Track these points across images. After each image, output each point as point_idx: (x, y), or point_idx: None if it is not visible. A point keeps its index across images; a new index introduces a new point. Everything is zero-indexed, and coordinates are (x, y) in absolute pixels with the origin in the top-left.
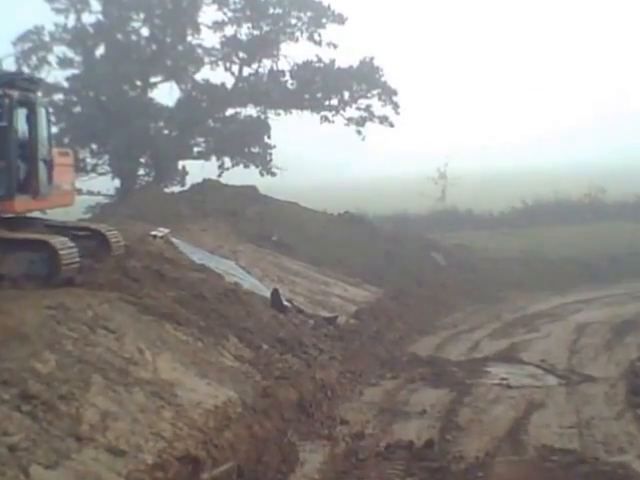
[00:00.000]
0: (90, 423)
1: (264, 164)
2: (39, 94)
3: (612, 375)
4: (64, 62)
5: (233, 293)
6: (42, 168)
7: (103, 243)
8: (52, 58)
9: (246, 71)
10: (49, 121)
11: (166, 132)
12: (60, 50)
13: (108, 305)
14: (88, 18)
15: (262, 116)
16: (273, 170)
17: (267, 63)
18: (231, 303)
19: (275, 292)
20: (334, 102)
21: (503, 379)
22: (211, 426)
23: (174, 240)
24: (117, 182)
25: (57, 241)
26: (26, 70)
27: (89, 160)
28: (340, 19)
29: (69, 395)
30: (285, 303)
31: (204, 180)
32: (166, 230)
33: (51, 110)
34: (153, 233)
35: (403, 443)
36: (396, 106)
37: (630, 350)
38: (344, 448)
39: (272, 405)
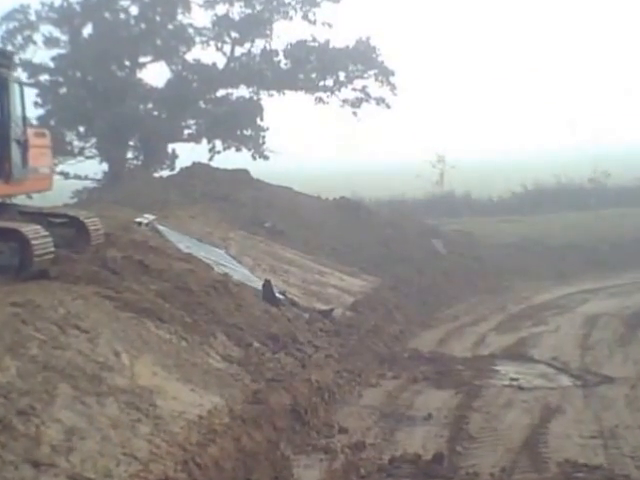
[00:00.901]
0: (52, 444)
1: (257, 147)
2: (13, 70)
3: (630, 375)
4: (50, 41)
5: (222, 285)
6: (15, 150)
7: (81, 231)
8: (38, 37)
9: (238, 51)
10: (23, 99)
11: (155, 114)
12: (46, 29)
13: (82, 301)
14: None
15: (255, 97)
16: (266, 153)
17: (260, 43)
18: (220, 296)
19: (267, 284)
20: (329, 83)
21: (513, 379)
22: (194, 441)
23: (160, 227)
24: (105, 166)
25: (29, 229)
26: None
27: (76, 143)
28: None
29: (29, 410)
30: (278, 295)
31: (194, 164)
32: (152, 217)
33: (36, 91)
34: (138, 220)
35: (409, 456)
36: (393, 87)
37: None
38: (343, 462)
39: (263, 412)
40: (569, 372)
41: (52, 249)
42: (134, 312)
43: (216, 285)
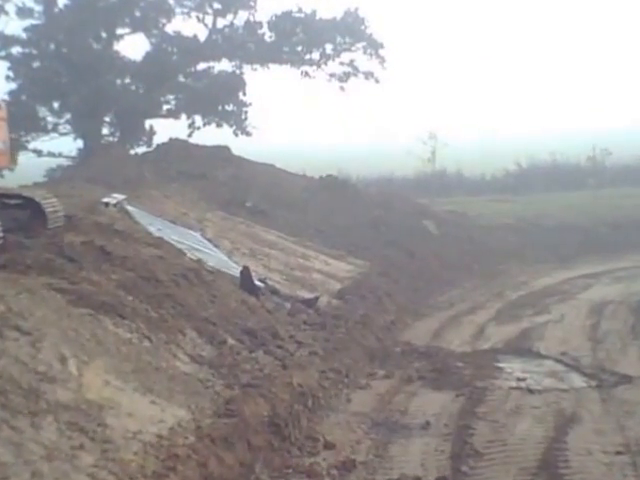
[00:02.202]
0: None
1: (239, 123)
2: None
3: None
4: (23, 12)
5: (194, 273)
6: None
7: (37, 214)
8: (10, 7)
9: (220, 23)
10: None
11: (133, 88)
12: None
13: (28, 295)
14: None
15: (237, 71)
16: (248, 129)
17: (243, 14)
18: (191, 286)
19: (245, 271)
20: (315, 56)
21: (520, 380)
22: (150, 471)
23: (129, 208)
24: (80, 143)
25: None
26: None
27: (50, 119)
28: None
29: None
30: (257, 283)
31: (170, 140)
32: (121, 196)
33: (7, 64)
34: (105, 200)
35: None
36: (382, 60)
37: None
38: None
39: (236, 428)
40: (581, 370)
41: (0, 234)
42: (90, 307)
43: (187, 274)
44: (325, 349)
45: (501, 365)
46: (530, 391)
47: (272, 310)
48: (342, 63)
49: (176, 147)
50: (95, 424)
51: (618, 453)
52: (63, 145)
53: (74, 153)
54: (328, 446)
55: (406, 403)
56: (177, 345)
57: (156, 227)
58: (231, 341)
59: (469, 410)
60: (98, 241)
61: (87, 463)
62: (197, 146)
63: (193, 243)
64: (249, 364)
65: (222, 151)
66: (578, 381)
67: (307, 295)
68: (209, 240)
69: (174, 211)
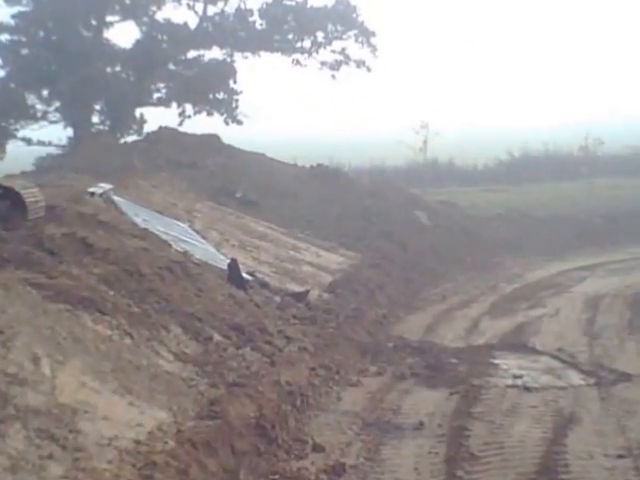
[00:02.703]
0: None
1: (229, 111)
2: None
3: None
4: None
5: (180, 266)
6: None
7: (17, 204)
8: None
9: (211, 10)
10: None
11: (123, 76)
12: None
13: (1, 291)
14: None
15: (228, 59)
16: (239, 118)
17: (234, 2)
18: (176, 280)
19: (233, 263)
20: (307, 44)
21: (517, 377)
22: None
23: (116, 198)
24: (70, 131)
25: None
26: None
27: (39, 107)
28: None
29: None
30: (245, 276)
31: (160, 128)
32: (107, 186)
33: None
34: (91, 190)
35: None
36: (374, 49)
37: None
38: None
39: (219, 430)
40: (578, 367)
41: None
42: (68, 303)
43: (173, 267)
44: (315, 345)
45: (496, 361)
46: (527, 389)
47: (261, 304)
48: (333, 51)
49: (165, 136)
50: (67, 430)
51: (620, 456)
52: (53, 133)
53: (64, 142)
54: (317, 449)
55: (399, 402)
56: (160, 342)
57: (142, 218)
58: (217, 337)
59: (464, 410)
60: (80, 233)
61: (56, 474)
62: (187, 135)
63: (180, 234)
64: (235, 361)
65: (212, 140)
66: (576, 379)
67: (297, 288)
68: (197, 231)
69: (162, 201)
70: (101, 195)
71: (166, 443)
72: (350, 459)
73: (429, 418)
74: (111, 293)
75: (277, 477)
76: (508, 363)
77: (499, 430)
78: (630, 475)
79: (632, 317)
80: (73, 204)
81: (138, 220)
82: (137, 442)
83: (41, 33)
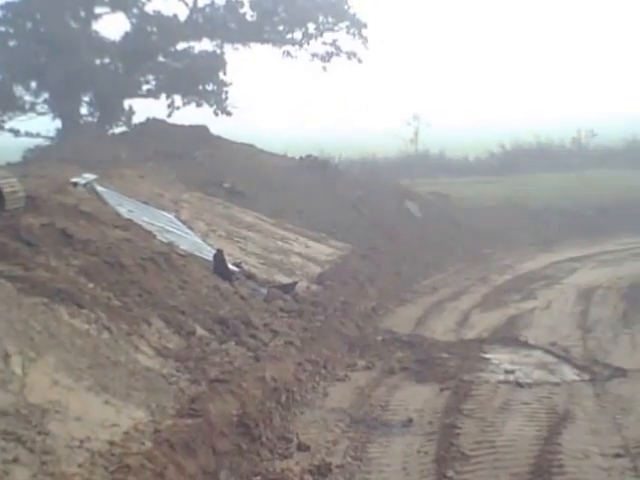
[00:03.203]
0: None
1: (219, 103)
2: None
3: None
4: None
5: (164, 257)
6: None
7: None
8: None
9: (201, 2)
10: None
11: (111, 68)
12: None
13: None
14: None
15: (218, 51)
16: (229, 109)
17: None
18: (159, 272)
19: (219, 254)
20: (297, 35)
21: (509, 372)
22: None
23: (99, 188)
24: (58, 123)
25: None
26: None
27: (27, 98)
28: None
29: None
30: (231, 268)
31: (148, 120)
32: (92, 176)
33: None
34: (74, 180)
35: None
36: (365, 40)
37: None
38: None
39: (199, 429)
40: (572, 361)
41: None
42: (44, 296)
43: (156, 258)
44: (302, 338)
45: (487, 356)
46: (519, 385)
47: (247, 297)
48: (325, 43)
49: (153, 127)
50: (35, 432)
51: (617, 456)
52: (42, 125)
53: (52, 133)
54: (302, 447)
55: (387, 397)
56: (140, 336)
57: (126, 208)
58: (201, 331)
59: (454, 406)
60: (60, 223)
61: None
62: (175, 126)
63: (165, 225)
64: (219, 356)
65: (200, 131)
66: (570, 374)
67: (285, 280)
68: (183, 222)
69: (148, 192)
70: (84, 185)
71: (142, 444)
72: (336, 458)
73: (418, 415)
74: (90, 285)
75: (259, 478)
76: (500, 358)
77: (491, 428)
78: (628, 476)
79: (626, 309)
80: (55, 194)
81: (122, 210)
82: (111, 443)
83: (29, 24)
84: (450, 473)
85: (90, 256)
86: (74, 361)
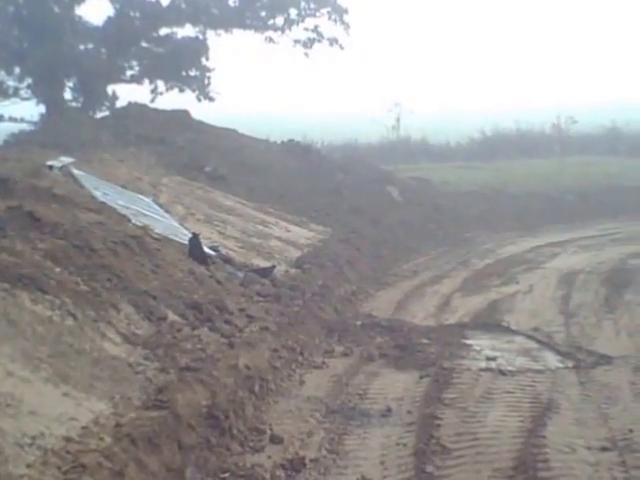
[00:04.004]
0: None
1: (201, 88)
2: None
3: (629, 352)
4: None
5: (137, 241)
6: None
7: None
8: None
9: None
10: None
11: (95, 53)
12: None
13: None
14: None
15: (200, 36)
16: (211, 95)
17: None
18: (131, 255)
19: (195, 237)
20: (279, 21)
21: (490, 359)
22: None
23: (76, 172)
24: (42, 108)
25: None
26: None
27: (10, 83)
28: None
29: None
30: (208, 251)
31: (129, 104)
32: (69, 160)
33: None
34: (49, 163)
35: None
36: (347, 26)
37: (636, 312)
38: None
39: (165, 422)
40: (555, 348)
41: None
42: (6, 281)
43: (128, 241)
44: (279, 324)
45: (469, 342)
46: (501, 373)
47: (223, 281)
48: (306, 29)
49: (134, 111)
50: None
51: (604, 449)
52: (26, 110)
53: (37, 118)
54: (275, 440)
55: (365, 385)
56: (108, 323)
57: (102, 191)
58: (172, 317)
59: (434, 395)
60: (28, 206)
61: None
62: (156, 110)
63: (142, 208)
64: (190, 343)
65: (182, 115)
66: (553, 361)
67: (263, 264)
68: (161, 205)
69: (127, 175)
70: (60, 169)
71: (101, 440)
72: (311, 451)
73: (397, 404)
74: (57, 270)
75: (227, 475)
76: (481, 344)
77: (472, 419)
78: (617, 471)
79: (608, 294)
80: (29, 178)
81: (97, 194)
82: (67, 440)
83: (11, 9)
84: (430, 468)
85: (58, 240)
86: (33, 350)
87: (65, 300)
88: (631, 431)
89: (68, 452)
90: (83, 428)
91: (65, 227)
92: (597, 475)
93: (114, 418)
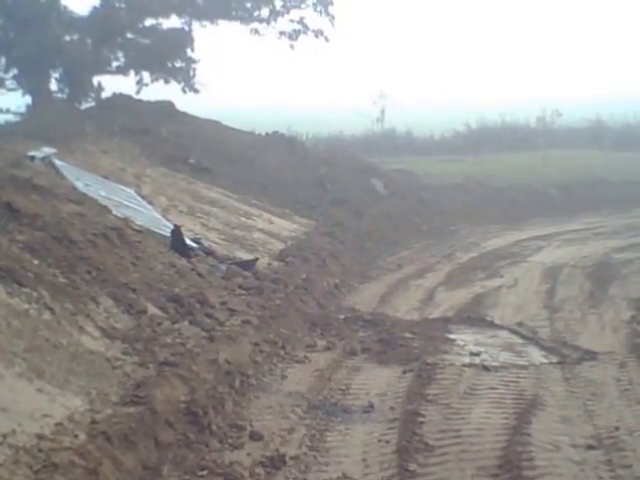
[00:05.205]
0: None
1: (187, 80)
2: None
3: (614, 348)
4: None
5: (117, 233)
6: None
7: None
8: None
9: None
10: None
11: (80, 44)
12: None
13: None
14: None
15: (186, 27)
16: (197, 86)
17: None
18: (111, 247)
19: (176, 229)
20: (265, 13)
21: (474, 354)
22: None
23: (58, 162)
24: (28, 99)
25: None
26: None
27: None
28: None
29: None
30: (190, 243)
31: (114, 95)
32: (51, 150)
33: None
34: (31, 154)
35: None
36: (332, 18)
37: (620, 307)
38: None
39: (141, 419)
40: (540, 343)
41: None
42: None
43: (109, 233)
44: (261, 317)
45: (452, 336)
46: (485, 368)
47: (204, 274)
48: (292, 20)
49: (119, 102)
50: None
51: (590, 447)
52: (12, 101)
53: (23, 109)
54: (255, 437)
55: (348, 380)
56: (87, 316)
57: (84, 182)
58: (152, 310)
59: (417, 391)
60: (6, 197)
61: None
62: (140, 101)
63: (124, 200)
64: (170, 337)
65: (166, 107)
66: (537, 356)
67: (246, 256)
68: (143, 197)
69: (111, 166)
70: (42, 159)
71: (76, 437)
72: (291, 449)
73: (380, 399)
74: (35, 262)
75: (205, 473)
76: (465, 338)
77: (456, 416)
78: (602, 470)
79: (592, 289)
80: (9, 168)
81: (79, 185)
82: (40, 437)
83: None
84: (413, 466)
85: (37, 231)
86: (8, 345)
87: (43, 293)
88: (617, 429)
89: (40, 450)
90: (57, 425)
91: (44, 218)
92: (583, 474)
93: (89, 414)
